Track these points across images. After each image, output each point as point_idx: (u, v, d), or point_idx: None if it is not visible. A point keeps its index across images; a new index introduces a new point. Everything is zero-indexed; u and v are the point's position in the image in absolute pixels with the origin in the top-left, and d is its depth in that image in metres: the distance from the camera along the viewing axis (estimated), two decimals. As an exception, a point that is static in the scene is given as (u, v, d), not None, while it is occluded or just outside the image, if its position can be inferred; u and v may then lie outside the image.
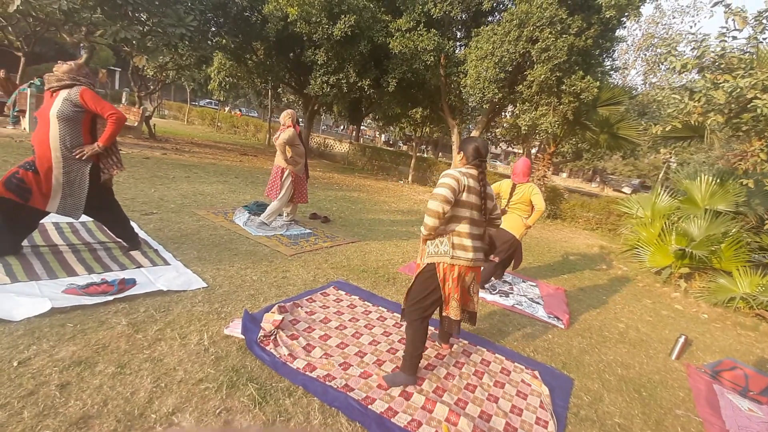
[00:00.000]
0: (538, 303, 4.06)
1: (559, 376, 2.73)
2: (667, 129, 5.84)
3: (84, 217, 3.60)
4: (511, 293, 4.21)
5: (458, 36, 11.46)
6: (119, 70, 26.35)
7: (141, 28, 8.38)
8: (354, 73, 10.00)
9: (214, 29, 10.92)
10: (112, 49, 11.49)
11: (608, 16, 7.25)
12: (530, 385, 2.53)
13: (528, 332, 3.40)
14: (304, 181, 5.01)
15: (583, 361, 3.06)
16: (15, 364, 1.87)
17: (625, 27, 9.59)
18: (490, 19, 10.56)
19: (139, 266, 3.09)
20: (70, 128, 2.83)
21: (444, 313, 2.42)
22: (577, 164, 27.53)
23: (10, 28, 9.99)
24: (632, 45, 17.39)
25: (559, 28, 7.64)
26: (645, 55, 16.67)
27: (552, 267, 5.84)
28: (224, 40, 11.11)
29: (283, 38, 10.60)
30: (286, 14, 9.26)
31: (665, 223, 6.45)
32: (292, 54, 12.08)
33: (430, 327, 2.88)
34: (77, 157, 2.88)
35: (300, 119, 18.91)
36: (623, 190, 29.26)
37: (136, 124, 10.67)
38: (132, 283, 2.77)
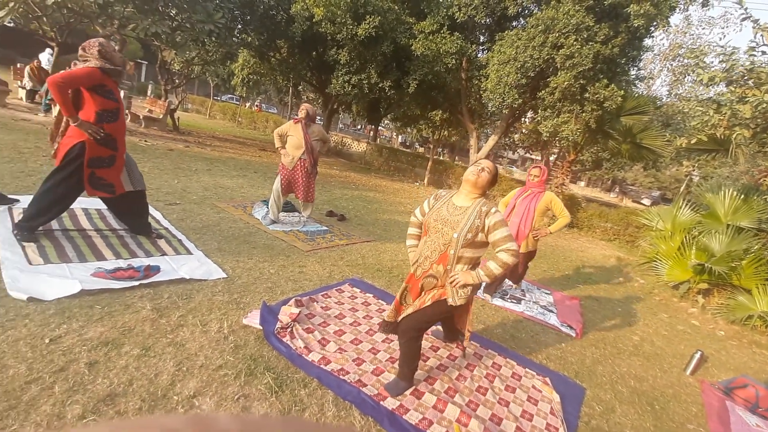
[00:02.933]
0: (550, 311, 4.04)
1: (571, 385, 2.73)
2: (692, 142, 5.72)
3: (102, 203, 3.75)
4: (523, 299, 4.19)
5: (482, 40, 11.44)
6: (146, 63, 27.00)
7: (171, 23, 8.59)
8: (375, 73, 10.06)
9: (240, 26, 11.12)
10: (141, 42, 11.79)
11: (636, 25, 7.14)
12: (541, 391, 2.54)
13: (541, 340, 3.39)
14: (298, 175, 4.70)
15: (596, 371, 3.04)
16: (47, 341, 1.97)
17: (653, 36, 9.44)
18: (514, 24, 10.51)
19: (164, 254, 3.19)
20: None
21: (458, 327, 2.54)
22: (596, 173, 27.10)
23: (45, 19, 10.35)
24: (659, 55, 17.05)
25: (585, 36, 7.57)
26: (671, 65, 16.33)
27: (567, 276, 5.79)
28: (250, 38, 11.30)
29: (307, 37, 10.74)
30: (312, 14, 9.38)
31: (685, 237, 6.33)
32: (314, 53, 12.21)
33: (438, 326, 2.92)
34: None
35: (320, 117, 19.09)
36: (643, 201, 28.67)
37: (161, 116, 10.94)
38: (157, 270, 2.87)
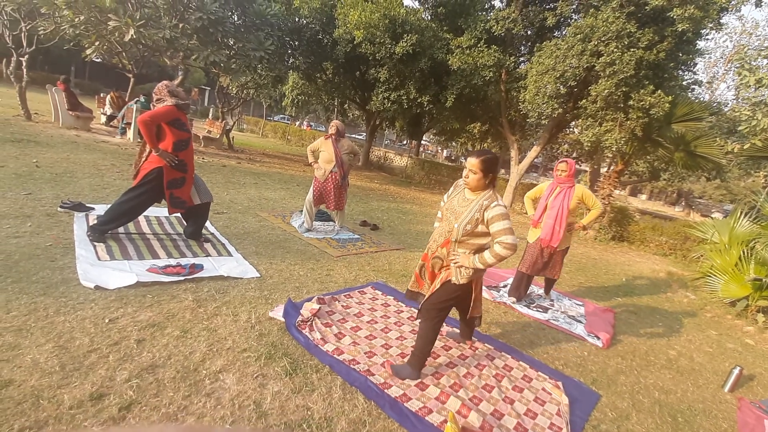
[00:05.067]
0: (579, 321, 3.96)
1: (585, 391, 2.71)
2: (745, 147, 5.37)
3: (160, 211, 4.25)
4: (550, 308, 4.15)
5: (522, 51, 11.40)
6: (208, 89, 29.48)
7: (228, 52, 9.49)
8: (414, 89, 10.37)
9: (289, 51, 11.99)
10: (203, 70, 13.04)
11: (681, 29, 6.85)
12: (551, 394, 2.56)
13: (562, 347, 3.36)
14: (329, 187, 5.02)
15: (617, 380, 2.98)
16: (107, 320, 2.36)
17: (706, 39, 8.92)
18: (556, 33, 10.40)
19: (208, 255, 3.60)
20: None
21: (473, 315, 2.66)
22: (658, 185, 25.28)
23: (124, 54, 11.82)
24: (722, 57, 15.88)
25: (626, 42, 7.35)
26: (738, 67, 15.11)
27: (606, 289, 5.58)
28: (298, 61, 12.12)
29: (350, 58, 11.32)
30: (353, 37, 9.92)
31: (744, 250, 5.87)
32: (357, 72, 12.81)
33: (454, 328, 3.03)
34: None
35: (364, 133, 19.62)
36: (713, 216, 26.28)
37: (218, 136, 11.95)
38: (200, 268, 3.25)
